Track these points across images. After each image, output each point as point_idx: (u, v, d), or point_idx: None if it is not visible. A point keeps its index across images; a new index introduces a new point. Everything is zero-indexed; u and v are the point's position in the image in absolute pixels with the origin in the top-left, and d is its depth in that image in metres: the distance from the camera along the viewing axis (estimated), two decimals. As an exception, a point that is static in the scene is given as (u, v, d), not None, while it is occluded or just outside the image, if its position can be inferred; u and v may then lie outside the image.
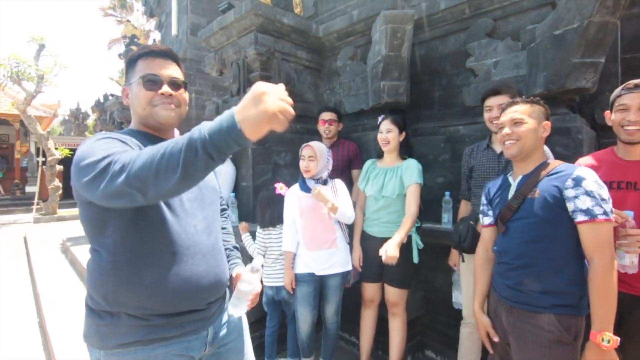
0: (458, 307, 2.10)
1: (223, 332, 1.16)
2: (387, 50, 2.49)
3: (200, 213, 1.09)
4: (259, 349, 2.24)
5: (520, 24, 2.39)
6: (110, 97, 9.22)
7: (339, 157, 2.67)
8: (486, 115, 1.94)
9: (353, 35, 3.10)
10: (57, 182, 10.05)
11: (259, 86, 0.76)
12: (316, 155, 2.12)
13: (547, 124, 1.38)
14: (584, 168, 1.27)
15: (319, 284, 2.17)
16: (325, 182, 2.18)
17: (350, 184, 2.62)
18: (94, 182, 0.81)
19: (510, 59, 2.33)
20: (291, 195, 2.25)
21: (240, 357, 1.21)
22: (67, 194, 13.02)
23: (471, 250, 1.73)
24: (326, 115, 2.64)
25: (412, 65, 2.85)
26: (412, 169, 2.10)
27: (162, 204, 0.99)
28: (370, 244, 2.19)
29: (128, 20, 7.02)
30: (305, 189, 2.20)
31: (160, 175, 0.75)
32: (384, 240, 2.10)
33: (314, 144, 2.17)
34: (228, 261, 1.27)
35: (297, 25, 3.06)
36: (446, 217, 2.39)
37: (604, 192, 1.19)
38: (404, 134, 2.21)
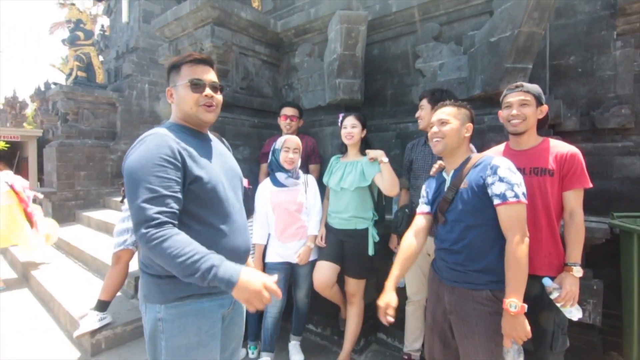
0: (402, 286, 2.27)
1: None
2: (342, 49, 2.59)
3: (235, 197, 1.34)
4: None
5: (463, 30, 2.59)
6: (53, 86, 8.54)
7: (301, 153, 2.74)
8: (419, 113, 2.17)
9: (310, 32, 3.16)
10: (-9, 178, 9.16)
11: (258, 285, 1.07)
12: (299, 148, 2.26)
13: (470, 125, 1.55)
14: (500, 157, 1.45)
15: (289, 272, 2.30)
16: (295, 176, 2.27)
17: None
18: (133, 217, 1.09)
19: (453, 61, 2.53)
20: (263, 190, 2.32)
21: (240, 323, 1.45)
22: (2, 190, 11.86)
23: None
24: (288, 111, 2.69)
25: (366, 65, 2.98)
26: (372, 162, 2.21)
27: (217, 190, 1.23)
28: (329, 235, 2.31)
29: (72, 4, 6.51)
30: (277, 183, 2.29)
31: (167, 265, 1.06)
32: (344, 232, 2.23)
33: (291, 137, 2.30)
34: None
35: (255, 19, 3.06)
36: (396, 208, 2.55)
37: (515, 178, 1.37)
38: (365, 130, 2.33)
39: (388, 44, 2.98)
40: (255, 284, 1.06)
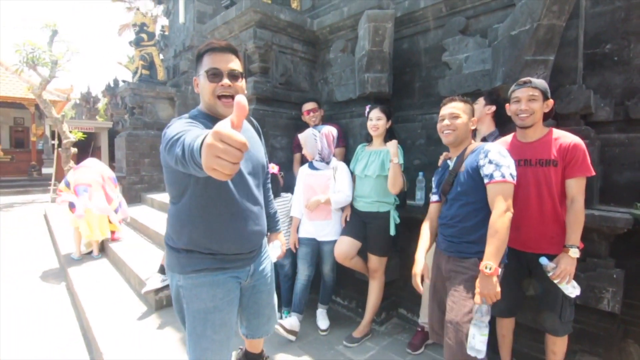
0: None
1: (260, 268, 1.57)
2: (370, 45, 2.80)
3: (254, 184, 1.43)
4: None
5: (489, 23, 2.66)
6: (122, 83, 9.58)
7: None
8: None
9: (344, 29, 3.38)
10: (72, 164, 10.51)
11: (210, 136, 0.76)
12: (303, 144, 2.56)
13: (475, 119, 1.72)
14: (492, 144, 1.63)
15: (316, 247, 2.61)
16: (325, 160, 2.56)
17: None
18: (168, 151, 1.07)
19: (478, 54, 2.62)
20: (301, 172, 2.67)
21: (267, 291, 1.63)
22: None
23: None
24: (308, 106, 2.98)
25: (396, 58, 3.14)
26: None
27: (236, 181, 1.32)
28: (353, 216, 2.57)
29: (137, 8, 7.28)
30: (311, 166, 2.63)
31: (179, 156, 0.99)
32: (367, 214, 2.48)
33: (300, 135, 2.59)
34: (268, 223, 1.69)
35: (293, 20, 3.35)
36: (419, 194, 2.73)
37: (503, 160, 1.53)
38: (390, 122, 2.55)
39: (417, 38, 3.12)
40: (210, 140, 0.75)
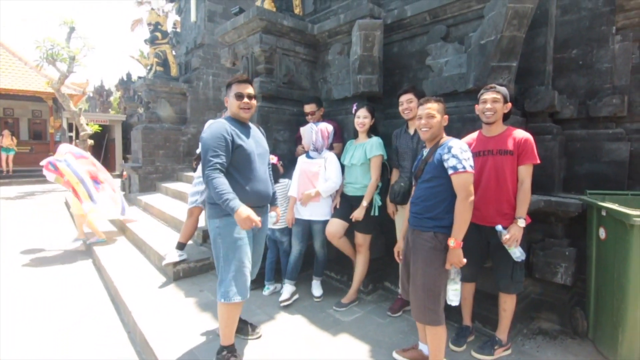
0: None
1: (263, 224, 2.24)
2: (362, 51, 3.16)
3: (262, 162, 2.25)
4: (259, 275, 3.07)
5: (466, 31, 3.00)
6: (136, 77, 10.04)
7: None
8: (400, 108, 2.70)
9: (340, 34, 3.75)
10: (90, 155, 11.09)
11: (243, 216, 1.91)
12: (302, 136, 2.99)
13: (446, 117, 2.07)
14: (455, 139, 1.97)
15: (307, 226, 3.03)
16: (319, 151, 2.97)
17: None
18: (203, 165, 2.02)
19: (456, 59, 2.97)
20: (300, 160, 3.11)
21: (262, 242, 2.40)
22: (96, 166, 14.14)
23: (402, 202, 2.48)
24: (307, 108, 3.35)
25: (387, 61, 3.51)
26: (373, 144, 2.81)
27: (251, 156, 2.14)
28: (343, 201, 2.98)
29: (152, 9, 7.70)
30: (308, 155, 3.04)
31: (211, 191, 1.97)
32: (354, 197, 2.88)
33: (302, 128, 3.02)
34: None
35: (295, 26, 3.73)
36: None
37: (464, 154, 1.88)
38: (373, 119, 2.93)
39: (405, 43, 3.47)
40: (243, 215, 1.90)
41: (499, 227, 2.15)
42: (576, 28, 3.06)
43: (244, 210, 1.89)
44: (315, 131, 2.94)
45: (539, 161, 2.17)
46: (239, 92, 2.16)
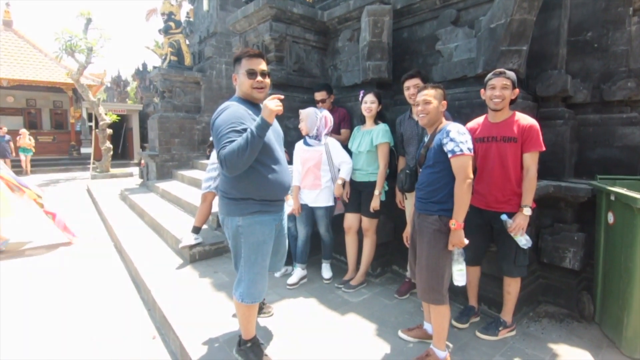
0: None
1: (283, 216, 2.14)
2: (371, 37, 3.17)
3: (280, 148, 2.01)
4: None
5: (477, 15, 2.96)
6: (151, 67, 10.21)
7: (334, 121, 3.44)
8: (406, 93, 2.68)
9: (350, 20, 3.74)
10: (109, 144, 11.43)
11: (265, 104, 1.70)
12: (304, 118, 2.95)
13: (445, 102, 2.09)
14: (454, 123, 1.99)
15: (310, 211, 3.09)
16: (317, 138, 2.97)
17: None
18: (216, 146, 1.76)
19: (466, 44, 2.95)
20: (298, 148, 3.12)
21: (284, 237, 2.21)
22: (116, 154, 14.61)
23: (409, 190, 2.52)
24: (318, 96, 3.36)
25: (396, 47, 3.50)
26: (380, 131, 2.84)
27: (271, 144, 1.88)
28: (352, 187, 3.04)
29: (165, -3, 7.77)
30: (306, 143, 3.05)
31: (236, 154, 1.67)
32: (361, 183, 2.93)
33: (302, 110, 3.00)
34: None
35: (305, 13, 3.74)
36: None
37: (462, 137, 1.91)
38: (380, 105, 2.95)
39: (415, 28, 3.45)
40: (268, 115, 1.69)
41: (504, 217, 2.17)
42: (591, 10, 2.98)
43: (264, 109, 1.69)
44: (321, 117, 2.98)
45: (543, 148, 2.17)
46: (251, 68, 1.85)
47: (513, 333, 2.36)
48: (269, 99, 1.72)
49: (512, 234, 2.17)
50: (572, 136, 2.90)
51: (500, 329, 2.31)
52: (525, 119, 2.19)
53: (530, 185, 2.15)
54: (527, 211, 2.14)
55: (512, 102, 2.27)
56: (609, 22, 2.90)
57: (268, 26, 3.56)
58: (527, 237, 2.18)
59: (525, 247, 2.19)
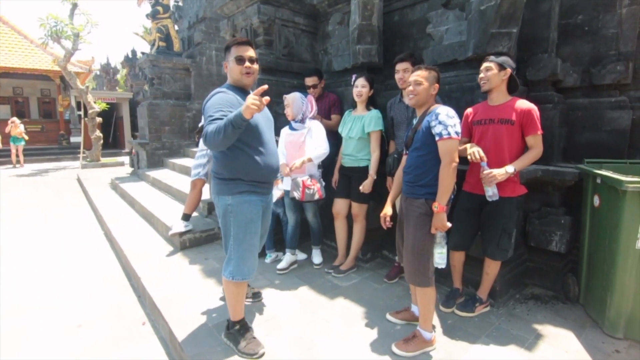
0: None
1: (270, 198, 2.19)
2: (360, 19, 3.11)
3: (269, 131, 2.06)
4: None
5: (468, -3, 2.92)
6: (140, 54, 9.99)
7: (324, 107, 3.40)
8: (396, 76, 2.66)
9: (340, 3, 3.67)
10: (98, 133, 11.26)
11: (247, 102, 1.65)
12: (290, 103, 2.90)
13: (437, 85, 2.06)
14: (443, 106, 1.97)
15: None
16: (302, 121, 2.93)
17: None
18: (208, 124, 1.78)
19: (456, 27, 2.91)
20: (283, 133, 3.08)
21: (269, 216, 2.26)
22: (107, 143, 14.39)
23: None
24: (309, 81, 3.30)
25: (387, 30, 3.45)
26: (372, 118, 2.81)
27: (259, 127, 1.95)
28: (342, 172, 3.02)
29: (153, -19, 7.56)
30: (291, 127, 3.01)
31: (216, 135, 1.70)
32: (350, 169, 2.92)
33: (288, 95, 2.95)
34: None
35: (294, -5, 3.66)
36: (401, 153, 3.13)
37: (451, 121, 1.90)
38: (372, 90, 2.91)
39: (406, 11, 3.40)
40: (247, 108, 1.64)
41: (483, 163, 2.19)
42: (583, -8, 2.95)
43: (244, 108, 1.66)
44: (306, 102, 2.94)
45: (541, 132, 2.18)
46: (239, 55, 1.94)
47: (488, 309, 2.46)
48: (251, 95, 1.69)
49: (483, 181, 2.18)
50: (561, 120, 2.90)
51: (476, 305, 2.41)
52: (524, 104, 2.22)
53: (530, 156, 2.20)
54: (510, 168, 2.15)
55: (512, 87, 2.28)
56: (599, 5, 2.88)
57: (256, 9, 3.48)
58: (495, 191, 2.18)
59: (490, 200, 2.21)
